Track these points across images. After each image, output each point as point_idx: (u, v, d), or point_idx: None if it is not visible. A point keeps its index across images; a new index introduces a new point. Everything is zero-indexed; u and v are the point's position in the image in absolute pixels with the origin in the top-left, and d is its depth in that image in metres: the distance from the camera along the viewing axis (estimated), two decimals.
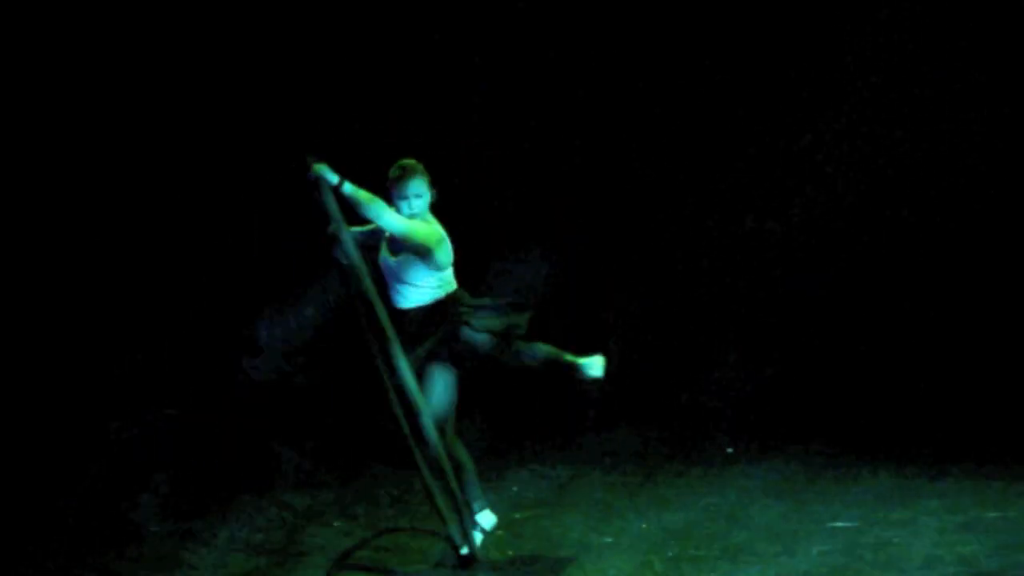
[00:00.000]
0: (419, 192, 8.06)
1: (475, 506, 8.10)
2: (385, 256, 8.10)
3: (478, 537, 8.06)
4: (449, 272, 8.13)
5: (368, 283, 7.98)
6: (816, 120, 12.62)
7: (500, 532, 8.50)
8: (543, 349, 8.17)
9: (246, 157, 12.78)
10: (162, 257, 12.63)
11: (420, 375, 8.03)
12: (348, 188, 7.91)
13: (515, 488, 9.60)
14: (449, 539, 7.99)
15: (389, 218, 7.92)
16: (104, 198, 12.54)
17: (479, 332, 8.01)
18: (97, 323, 12.35)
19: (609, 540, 8.41)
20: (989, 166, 12.39)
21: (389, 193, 8.09)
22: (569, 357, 8.20)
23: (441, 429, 8.02)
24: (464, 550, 7.96)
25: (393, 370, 7.95)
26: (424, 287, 8.04)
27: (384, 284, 8.13)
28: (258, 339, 12.72)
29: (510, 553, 8.21)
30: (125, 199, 12.59)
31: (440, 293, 8.06)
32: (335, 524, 8.76)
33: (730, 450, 10.52)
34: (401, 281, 8.04)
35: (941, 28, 12.27)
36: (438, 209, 8.22)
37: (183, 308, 12.62)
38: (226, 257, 12.74)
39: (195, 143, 12.70)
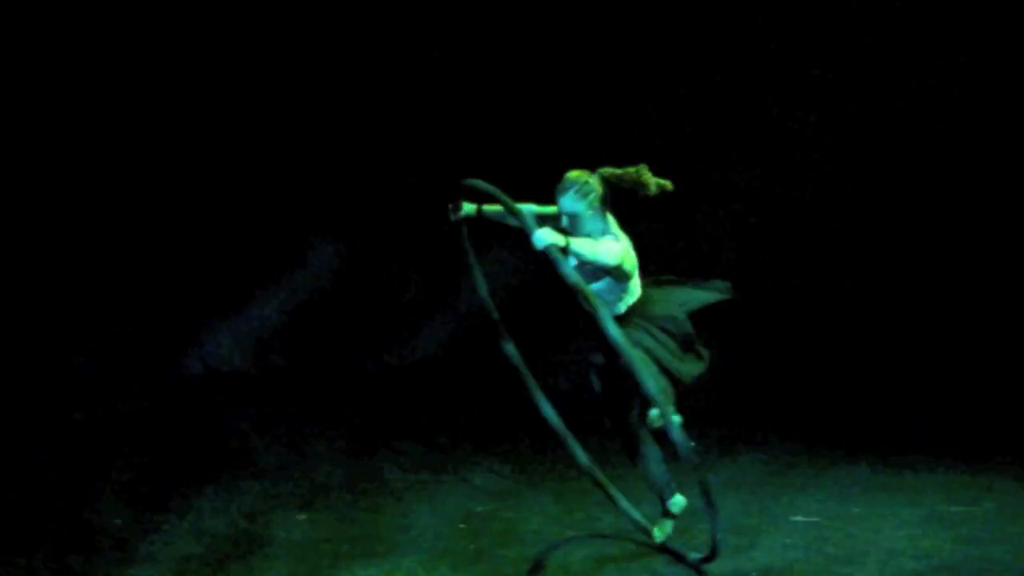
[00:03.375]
0: (570, 210, 7.79)
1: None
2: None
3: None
4: (632, 283, 7.90)
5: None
6: (809, 116, 12.64)
7: (462, 526, 8.53)
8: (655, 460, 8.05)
9: (217, 151, 12.80)
10: (123, 247, 12.62)
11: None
12: (572, 245, 7.58)
13: (477, 481, 9.59)
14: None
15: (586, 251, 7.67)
16: (64, 188, 12.52)
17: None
18: (57, 313, 12.34)
19: (571, 533, 8.41)
20: (985, 165, 12.44)
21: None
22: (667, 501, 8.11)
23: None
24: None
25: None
26: (611, 299, 7.84)
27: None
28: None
29: (471, 547, 8.20)
30: (85, 189, 12.57)
31: (622, 307, 7.88)
32: (299, 516, 8.74)
33: (692, 444, 10.51)
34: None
35: (940, 26, 12.32)
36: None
37: (143, 296, 12.62)
38: (187, 247, 12.74)
39: (158, 136, 12.70)
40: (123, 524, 8.50)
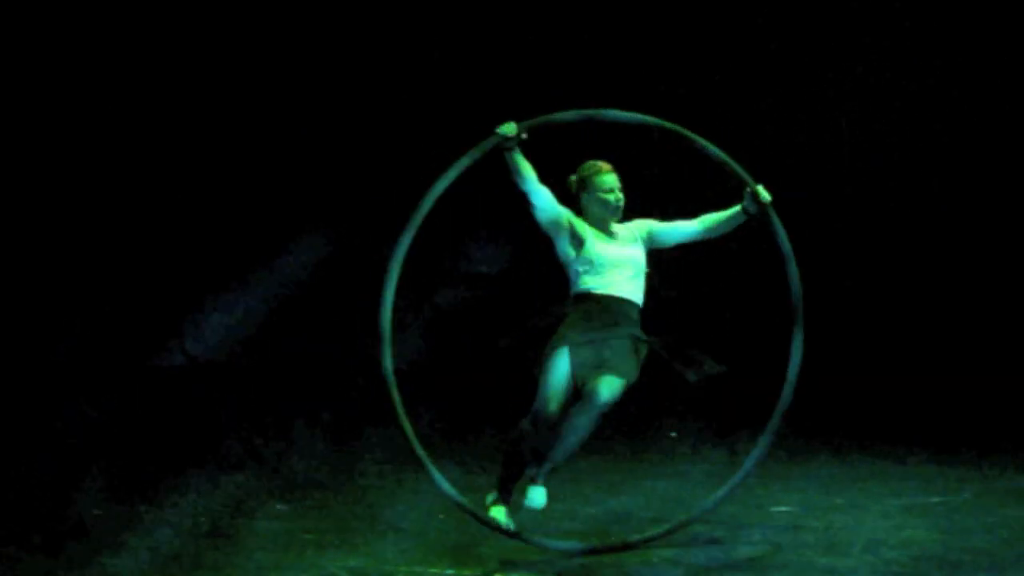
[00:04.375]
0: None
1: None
2: None
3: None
4: None
5: None
6: (809, 115, 12.67)
7: (442, 517, 8.52)
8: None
9: (201, 146, 12.80)
10: (106, 239, 12.61)
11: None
12: None
13: (457, 474, 9.57)
14: None
15: None
16: (47, 183, 12.51)
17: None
18: (40, 305, 12.34)
19: (553, 524, 8.40)
20: (985, 165, 12.49)
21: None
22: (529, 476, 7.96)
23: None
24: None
25: None
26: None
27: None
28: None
29: (451, 538, 8.19)
30: (68, 183, 12.56)
31: None
32: (280, 507, 8.73)
33: (673, 434, 10.55)
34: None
35: (940, 26, 12.36)
36: None
37: (126, 288, 12.61)
38: (171, 240, 12.73)
39: (142, 132, 12.69)
40: (104, 514, 8.48)
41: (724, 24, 12.70)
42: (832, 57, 12.58)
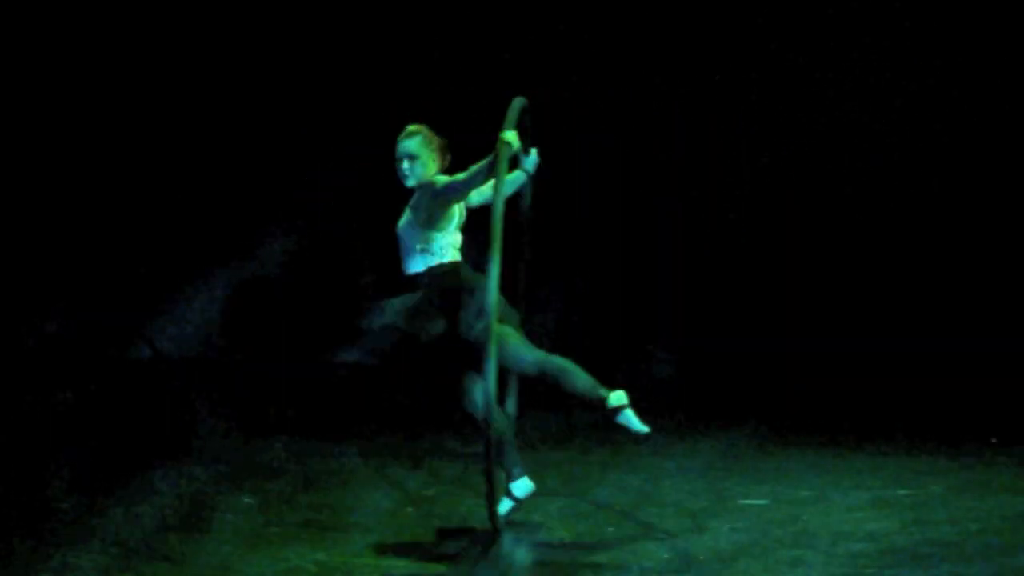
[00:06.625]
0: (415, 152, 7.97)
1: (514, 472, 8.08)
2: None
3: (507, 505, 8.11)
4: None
5: None
6: (809, 116, 12.68)
7: (410, 510, 8.52)
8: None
9: (169, 140, 12.85)
10: (73, 232, 12.67)
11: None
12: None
13: (427, 466, 9.59)
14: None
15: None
16: (15, 175, 12.57)
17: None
18: (6, 296, 12.39)
19: (519, 517, 8.40)
20: (985, 165, 12.48)
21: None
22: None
23: None
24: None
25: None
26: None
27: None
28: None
29: (420, 530, 8.20)
30: (37, 175, 12.62)
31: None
32: (246, 500, 8.74)
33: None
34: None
35: (940, 26, 12.36)
36: None
37: (93, 281, 12.66)
38: (137, 233, 12.79)
39: (112, 125, 12.75)
40: (70, 508, 8.49)
41: (724, 23, 12.70)
42: (832, 57, 12.57)
